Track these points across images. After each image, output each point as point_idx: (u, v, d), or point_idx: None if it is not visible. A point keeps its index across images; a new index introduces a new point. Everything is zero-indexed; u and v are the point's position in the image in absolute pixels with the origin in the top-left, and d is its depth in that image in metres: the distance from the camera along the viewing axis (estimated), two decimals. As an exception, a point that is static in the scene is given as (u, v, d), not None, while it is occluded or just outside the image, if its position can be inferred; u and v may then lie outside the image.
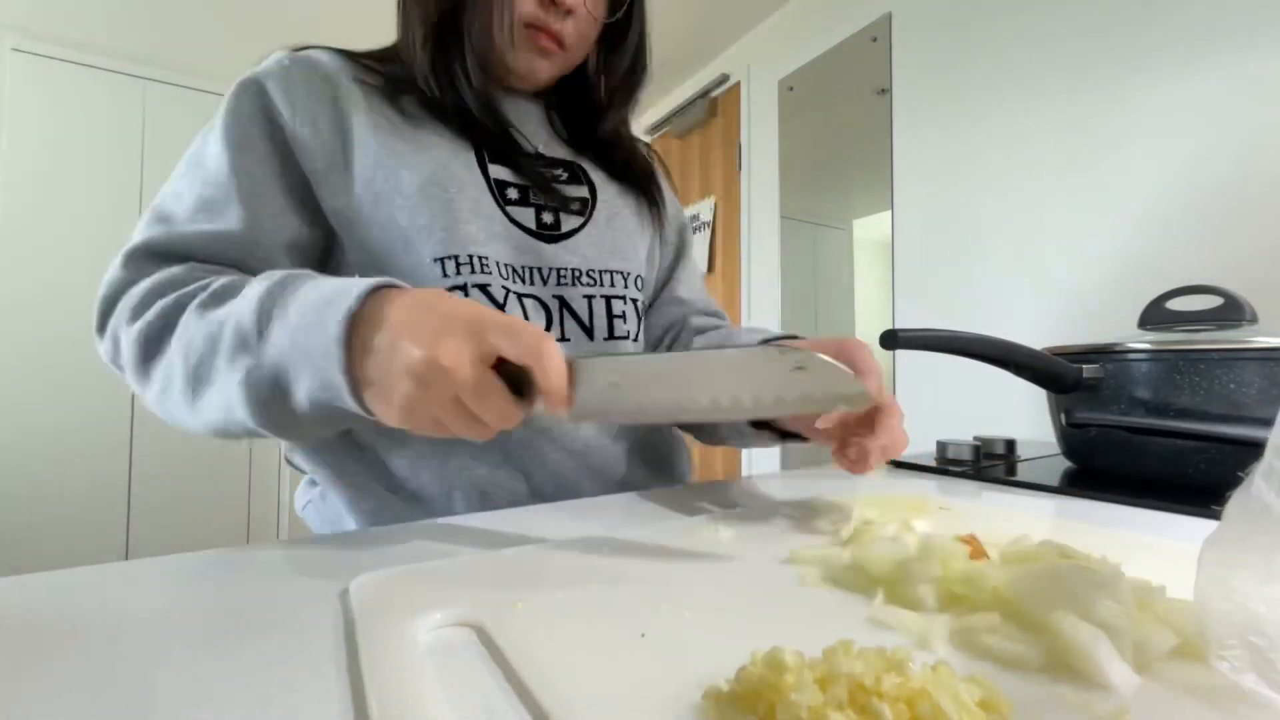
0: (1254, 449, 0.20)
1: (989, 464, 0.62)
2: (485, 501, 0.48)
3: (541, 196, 0.53)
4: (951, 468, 0.60)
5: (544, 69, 0.53)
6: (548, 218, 0.53)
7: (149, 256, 0.46)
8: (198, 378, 0.37)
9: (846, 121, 1.70)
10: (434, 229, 0.46)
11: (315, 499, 0.55)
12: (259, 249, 0.46)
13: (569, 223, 0.54)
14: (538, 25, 0.50)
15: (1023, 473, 0.58)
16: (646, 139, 2.64)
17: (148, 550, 2.18)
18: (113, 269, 0.46)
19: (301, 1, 1.90)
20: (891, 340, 0.56)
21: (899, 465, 0.63)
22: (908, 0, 1.49)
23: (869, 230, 1.71)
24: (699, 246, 2.29)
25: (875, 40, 1.58)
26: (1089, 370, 0.57)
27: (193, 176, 0.48)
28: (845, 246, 1.86)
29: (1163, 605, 0.22)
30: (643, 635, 0.22)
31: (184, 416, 0.39)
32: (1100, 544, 0.34)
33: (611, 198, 0.58)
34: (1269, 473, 0.18)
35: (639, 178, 0.60)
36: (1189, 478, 0.50)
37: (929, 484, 0.55)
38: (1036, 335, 1.16)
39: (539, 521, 0.40)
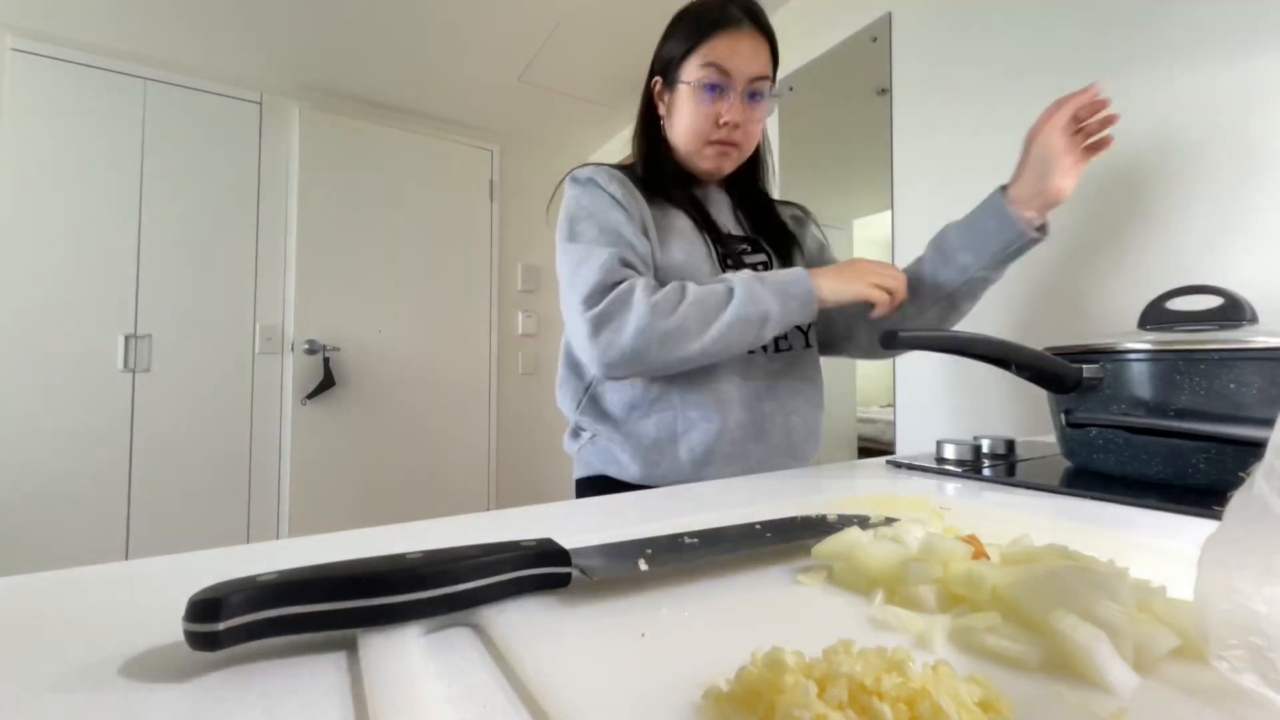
0: (1254, 449, 0.20)
1: (989, 464, 0.62)
2: (710, 458, 0.75)
3: (733, 263, 0.80)
4: (951, 468, 0.60)
5: (728, 168, 0.83)
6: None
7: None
8: (711, 314, 0.67)
9: (846, 121, 1.70)
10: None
11: (586, 443, 0.82)
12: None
13: None
14: (717, 140, 0.78)
15: (1023, 473, 0.58)
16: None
17: (148, 550, 2.18)
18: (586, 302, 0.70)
19: (301, 1, 1.90)
20: (891, 340, 0.56)
21: (899, 465, 0.63)
22: (908, 0, 1.49)
23: (869, 230, 1.71)
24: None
25: (875, 40, 1.58)
26: (1089, 370, 0.57)
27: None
28: (845, 246, 1.86)
29: (1163, 605, 0.22)
30: (643, 635, 0.22)
31: (687, 338, 0.67)
32: (1100, 544, 0.34)
33: (781, 254, 0.86)
34: (1270, 472, 0.18)
35: (790, 241, 0.88)
36: (1189, 478, 0.50)
37: (929, 484, 0.55)
38: (1037, 335, 1.16)
39: (556, 520, 0.40)
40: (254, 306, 2.39)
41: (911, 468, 0.62)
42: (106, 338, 2.12)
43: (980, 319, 1.28)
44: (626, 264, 0.71)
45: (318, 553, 0.33)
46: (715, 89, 0.75)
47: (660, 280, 0.73)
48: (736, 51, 0.75)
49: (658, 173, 0.82)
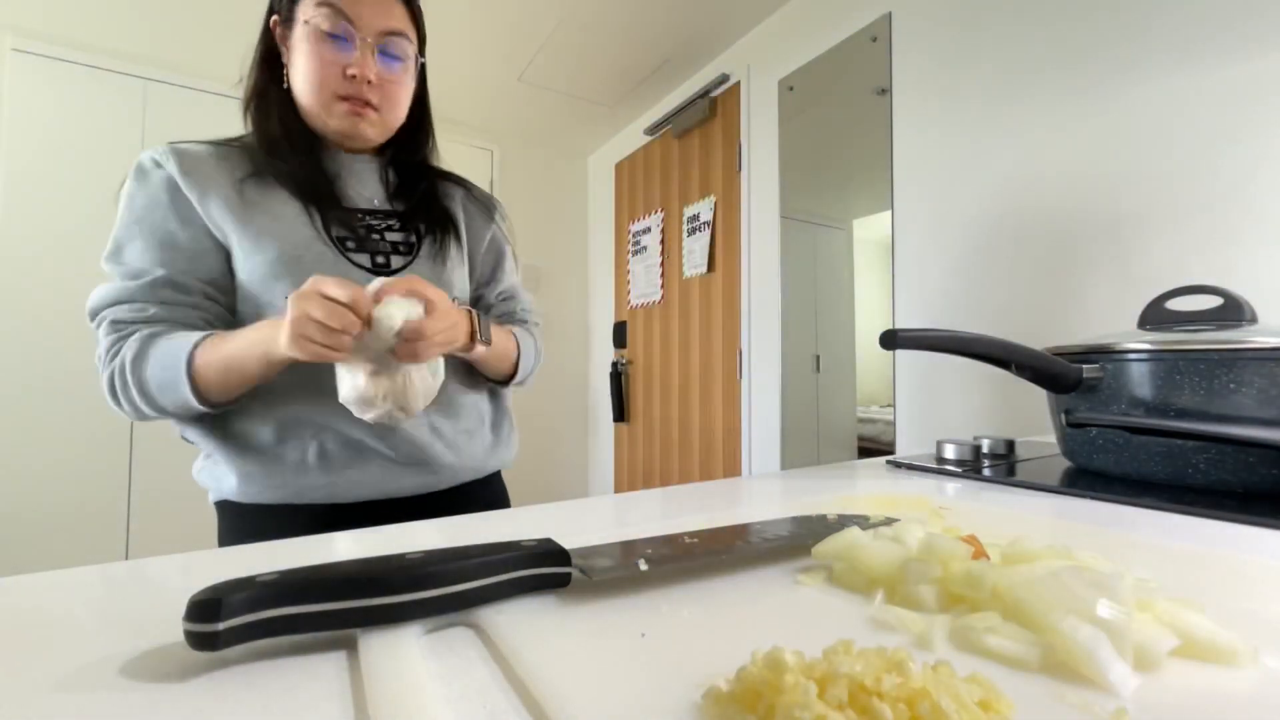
0: (1254, 449, 0.20)
1: (989, 464, 0.62)
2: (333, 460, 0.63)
3: (355, 244, 0.67)
4: (951, 468, 0.60)
5: (368, 131, 0.68)
6: (380, 259, 0.69)
7: None
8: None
9: (846, 121, 1.70)
10: (294, 283, 0.58)
11: (207, 464, 0.66)
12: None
13: (397, 261, 0.70)
14: (347, 96, 0.65)
15: (1023, 473, 0.58)
16: (646, 139, 2.65)
17: (148, 550, 2.18)
18: None
19: (301, 1, 1.90)
20: (891, 340, 0.56)
21: (899, 465, 0.63)
22: (908, 0, 1.49)
23: (869, 230, 1.71)
24: (700, 244, 2.29)
25: (875, 40, 1.59)
26: (1089, 370, 0.57)
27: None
28: (845, 246, 1.86)
29: (1163, 605, 0.22)
30: (643, 635, 0.22)
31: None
32: (1100, 544, 0.34)
33: (434, 237, 0.74)
34: None
35: (447, 223, 0.76)
36: (1189, 478, 0.50)
37: (929, 484, 0.55)
38: (1036, 335, 1.16)
39: (539, 521, 0.40)
40: (254, 306, 2.39)
41: (911, 468, 0.62)
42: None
43: (980, 319, 1.29)
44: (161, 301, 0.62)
45: (318, 553, 0.33)
46: (336, 38, 0.63)
47: (252, 290, 0.63)
48: (364, 10, 0.64)
49: (277, 133, 0.66)
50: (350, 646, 0.22)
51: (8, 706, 0.18)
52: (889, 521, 0.35)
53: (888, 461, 0.65)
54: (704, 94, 2.26)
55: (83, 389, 2.09)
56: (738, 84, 2.12)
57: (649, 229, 2.62)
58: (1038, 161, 1.18)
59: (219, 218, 0.62)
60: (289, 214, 0.64)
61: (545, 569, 0.26)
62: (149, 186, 0.63)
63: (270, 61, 0.68)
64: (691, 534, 0.33)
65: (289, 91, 0.67)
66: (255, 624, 0.20)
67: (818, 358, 1.90)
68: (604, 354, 2.99)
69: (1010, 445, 0.69)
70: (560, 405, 3.09)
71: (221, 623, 0.19)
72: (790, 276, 1.91)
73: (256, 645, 0.21)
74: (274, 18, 0.67)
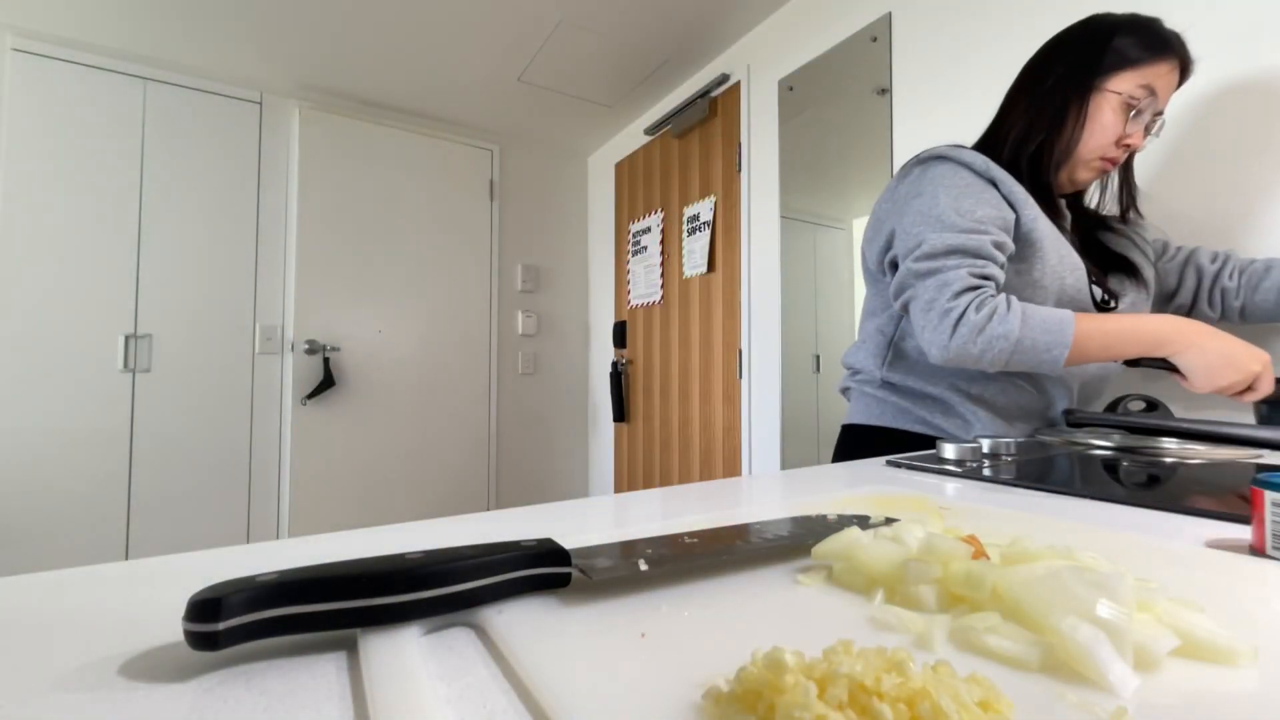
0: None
1: (989, 464, 0.62)
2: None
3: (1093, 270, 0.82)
4: (951, 468, 0.60)
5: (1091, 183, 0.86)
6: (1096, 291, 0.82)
7: None
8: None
9: (846, 121, 1.70)
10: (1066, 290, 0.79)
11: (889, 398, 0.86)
12: None
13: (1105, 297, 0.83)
14: (1108, 158, 0.79)
15: (1023, 473, 0.58)
16: (646, 138, 2.65)
17: (148, 550, 2.18)
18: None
19: (301, 1, 1.90)
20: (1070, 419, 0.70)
21: (899, 465, 0.63)
22: (908, 0, 1.49)
23: (869, 230, 1.71)
24: (700, 244, 2.29)
25: (875, 40, 1.58)
26: None
27: None
28: (845, 246, 1.86)
29: (1163, 605, 0.22)
30: (643, 635, 0.22)
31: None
32: (1100, 544, 0.34)
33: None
34: None
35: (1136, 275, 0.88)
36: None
37: (929, 484, 0.55)
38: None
39: (547, 520, 0.40)
40: (254, 306, 2.39)
41: (911, 468, 0.62)
42: (106, 338, 2.12)
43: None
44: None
45: (318, 553, 0.33)
46: (1138, 112, 0.76)
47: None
48: (1170, 85, 0.77)
49: (1048, 181, 0.81)
50: (350, 646, 0.22)
51: (7, 706, 0.18)
52: (889, 521, 0.35)
53: (888, 461, 0.65)
54: (704, 94, 2.26)
55: (83, 389, 2.09)
56: (738, 84, 2.12)
57: (649, 229, 2.62)
58: (1038, 161, 1.18)
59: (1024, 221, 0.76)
60: (1065, 252, 0.78)
61: (545, 569, 0.26)
62: (970, 174, 0.76)
63: (1052, 103, 0.80)
64: (691, 534, 0.33)
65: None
66: (255, 624, 0.20)
67: (818, 358, 1.90)
68: (604, 354, 2.99)
69: (1010, 445, 0.69)
70: (560, 405, 3.10)
71: (221, 623, 0.19)
72: (790, 276, 1.91)
73: (256, 645, 0.22)
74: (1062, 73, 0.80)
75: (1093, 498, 0.48)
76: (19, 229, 2.01)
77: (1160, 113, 0.78)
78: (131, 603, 0.26)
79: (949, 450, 0.64)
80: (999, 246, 0.73)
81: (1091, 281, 0.79)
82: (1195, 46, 0.78)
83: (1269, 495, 0.32)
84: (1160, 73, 0.76)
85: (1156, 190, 1.01)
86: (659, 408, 2.55)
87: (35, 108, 2.04)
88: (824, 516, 0.37)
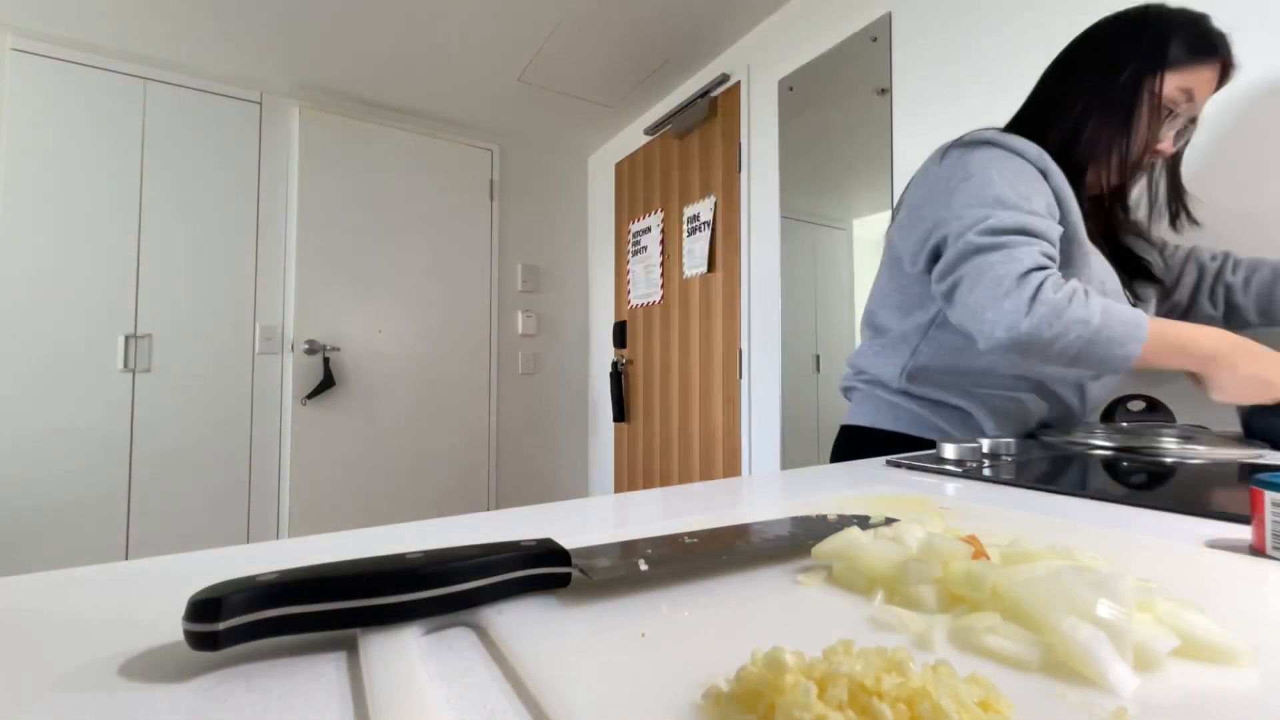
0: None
1: (989, 464, 0.62)
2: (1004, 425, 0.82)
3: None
4: (951, 468, 0.60)
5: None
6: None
7: None
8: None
9: (846, 121, 1.70)
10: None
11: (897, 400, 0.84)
12: None
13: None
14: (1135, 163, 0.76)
15: (1023, 473, 0.58)
16: (646, 138, 2.65)
17: (148, 550, 2.18)
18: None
19: (301, 1, 1.90)
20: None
21: (899, 465, 0.63)
22: (908, 0, 1.49)
23: (869, 230, 1.71)
24: (700, 244, 2.29)
25: (875, 40, 1.59)
26: None
27: None
28: (845, 246, 1.86)
29: (1163, 605, 0.22)
30: (643, 635, 0.22)
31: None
32: (1100, 544, 0.34)
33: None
34: None
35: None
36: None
37: (929, 484, 0.55)
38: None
39: (551, 520, 0.40)
40: (254, 306, 2.39)
41: (911, 468, 0.62)
42: (106, 338, 2.12)
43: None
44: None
45: (318, 553, 0.33)
46: (1174, 115, 0.73)
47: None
48: (1209, 89, 0.73)
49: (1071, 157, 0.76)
50: (350, 646, 0.22)
51: (7, 706, 0.18)
52: (889, 521, 0.35)
53: (888, 461, 0.65)
54: (704, 94, 2.26)
55: (83, 389, 2.09)
56: (738, 84, 2.12)
57: (649, 229, 2.62)
58: (1038, 161, 1.18)
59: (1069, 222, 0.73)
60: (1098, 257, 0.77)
61: (545, 569, 0.26)
62: (1023, 162, 0.72)
63: (1106, 95, 0.75)
64: (691, 534, 0.33)
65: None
66: (255, 624, 0.20)
67: (818, 358, 1.90)
68: (604, 354, 2.99)
69: (1010, 445, 0.69)
70: (560, 405, 3.10)
71: (221, 623, 0.19)
72: (790, 276, 1.91)
73: (256, 645, 0.22)
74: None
75: (1093, 498, 0.48)
76: (19, 229, 2.01)
77: (1194, 119, 0.74)
78: (131, 603, 0.26)
79: (949, 450, 0.64)
80: (1054, 241, 0.69)
81: (1124, 287, 0.77)
82: (1241, 46, 0.73)
83: (1269, 495, 0.32)
84: (1203, 77, 0.72)
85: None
86: (659, 408, 2.55)
87: (35, 108, 2.04)
88: (824, 516, 0.37)
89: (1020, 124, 0.81)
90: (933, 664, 0.17)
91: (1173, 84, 0.71)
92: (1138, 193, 0.87)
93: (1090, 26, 0.78)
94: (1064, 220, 0.72)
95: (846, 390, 0.95)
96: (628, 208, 2.82)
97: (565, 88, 2.48)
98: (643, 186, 2.71)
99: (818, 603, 0.26)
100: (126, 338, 2.15)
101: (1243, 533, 0.37)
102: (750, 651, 0.18)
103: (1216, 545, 0.34)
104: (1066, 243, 0.73)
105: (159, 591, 0.28)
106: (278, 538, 2.20)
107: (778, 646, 0.18)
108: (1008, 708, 0.17)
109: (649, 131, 2.59)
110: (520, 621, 0.23)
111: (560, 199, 3.14)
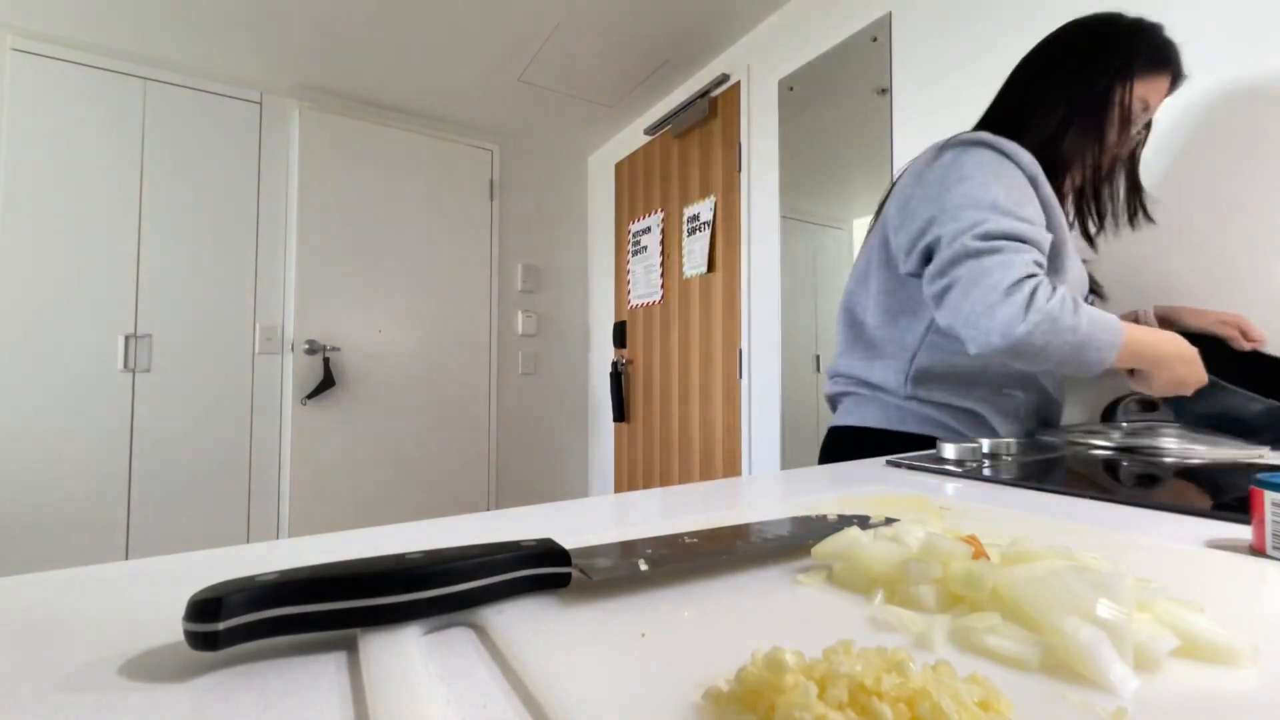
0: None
1: (989, 464, 0.62)
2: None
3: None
4: (951, 468, 0.60)
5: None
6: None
7: None
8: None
9: (846, 121, 1.70)
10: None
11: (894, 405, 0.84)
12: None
13: None
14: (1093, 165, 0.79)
15: (1023, 473, 0.58)
16: (646, 138, 2.65)
17: (148, 550, 2.18)
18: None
19: (301, 1, 1.90)
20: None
21: (899, 465, 0.63)
22: (908, 0, 1.49)
23: (869, 230, 1.71)
24: (700, 244, 2.29)
25: (875, 40, 1.58)
26: None
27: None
28: (845, 246, 1.86)
29: (1163, 605, 0.22)
30: (643, 635, 0.22)
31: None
32: (1100, 544, 0.34)
33: None
34: None
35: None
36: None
37: (929, 484, 0.55)
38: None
39: (551, 520, 0.40)
40: (254, 306, 2.39)
41: (911, 468, 0.62)
42: (106, 338, 2.12)
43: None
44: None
45: (318, 553, 0.33)
46: (1128, 125, 0.76)
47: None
48: (1161, 97, 0.76)
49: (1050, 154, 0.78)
50: (350, 646, 0.22)
51: (8, 706, 0.18)
52: (889, 521, 0.35)
53: (887, 461, 0.65)
54: (704, 94, 2.26)
55: (83, 389, 2.09)
56: (738, 84, 2.12)
57: (649, 229, 2.62)
58: (1038, 161, 1.18)
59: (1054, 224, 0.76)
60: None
61: (545, 569, 0.26)
62: (1016, 169, 0.74)
63: (1091, 101, 0.77)
64: (691, 534, 0.33)
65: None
66: (255, 624, 0.20)
67: (818, 358, 1.90)
68: (604, 354, 2.99)
69: (1010, 445, 0.69)
70: (560, 405, 3.10)
71: (221, 623, 0.19)
72: (790, 276, 1.91)
73: (256, 645, 0.22)
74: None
75: (1093, 498, 0.48)
76: (19, 229, 2.01)
77: (1148, 125, 0.78)
78: (131, 603, 0.26)
79: (949, 450, 0.64)
80: (1044, 249, 0.72)
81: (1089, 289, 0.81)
82: (1196, 51, 0.77)
83: (1269, 495, 0.32)
84: (1158, 86, 0.75)
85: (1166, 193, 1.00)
86: (659, 408, 2.55)
87: (35, 108, 2.04)
88: (824, 516, 0.37)
89: (992, 124, 0.82)
90: (933, 664, 0.17)
91: (1136, 93, 0.75)
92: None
93: (1057, 31, 0.80)
94: (1051, 227, 0.74)
95: (837, 397, 0.93)
96: (628, 208, 2.82)
97: (565, 88, 2.48)
98: (643, 186, 2.71)
99: (818, 603, 0.26)
100: (126, 338, 2.15)
101: (1243, 533, 0.37)
102: (750, 651, 0.18)
103: (1216, 545, 0.34)
104: (1053, 248, 0.75)
105: (159, 591, 0.28)
106: (277, 538, 2.19)
107: (778, 646, 0.18)
108: (1008, 708, 0.17)
109: (649, 132, 2.59)
110: (520, 621, 0.23)
111: (560, 199, 3.14)
